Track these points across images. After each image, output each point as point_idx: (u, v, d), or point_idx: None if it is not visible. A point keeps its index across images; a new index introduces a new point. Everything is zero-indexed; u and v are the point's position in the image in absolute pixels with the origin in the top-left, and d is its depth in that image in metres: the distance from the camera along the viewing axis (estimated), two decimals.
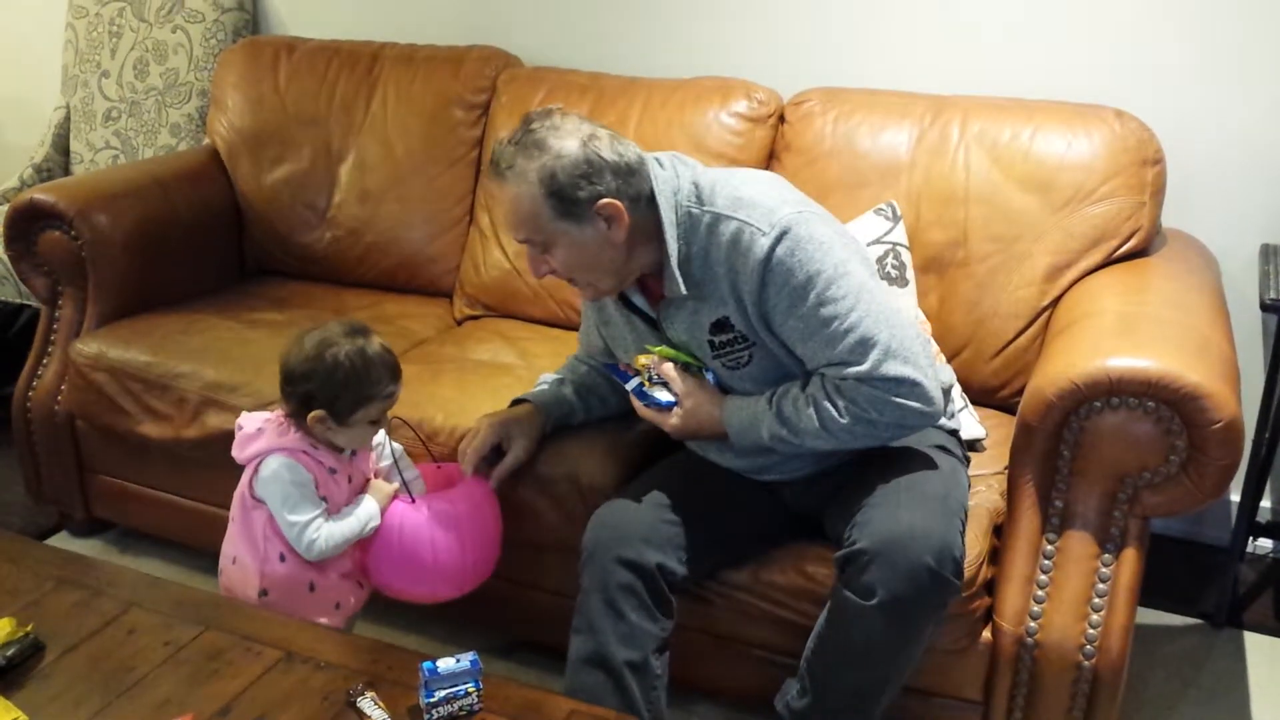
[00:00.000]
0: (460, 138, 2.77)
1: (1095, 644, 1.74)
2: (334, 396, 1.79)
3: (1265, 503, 2.60)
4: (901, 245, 2.25)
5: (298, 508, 1.80)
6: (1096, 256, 2.18)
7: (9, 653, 1.56)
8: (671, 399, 1.84)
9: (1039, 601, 1.78)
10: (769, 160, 2.49)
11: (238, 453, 1.86)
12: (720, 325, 1.76)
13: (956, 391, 2.12)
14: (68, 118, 3.35)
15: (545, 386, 2.08)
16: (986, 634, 1.83)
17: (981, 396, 2.26)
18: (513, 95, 2.71)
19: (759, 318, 1.72)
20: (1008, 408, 2.21)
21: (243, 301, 2.72)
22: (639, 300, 1.86)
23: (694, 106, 2.52)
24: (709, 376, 1.85)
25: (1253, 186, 2.40)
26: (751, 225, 1.68)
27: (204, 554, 2.44)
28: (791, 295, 1.67)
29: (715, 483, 1.90)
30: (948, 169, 2.29)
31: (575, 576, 1.81)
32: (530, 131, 1.70)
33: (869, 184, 2.34)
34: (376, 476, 1.96)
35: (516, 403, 2.06)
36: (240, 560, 1.87)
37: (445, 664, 1.49)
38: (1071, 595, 1.76)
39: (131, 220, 2.61)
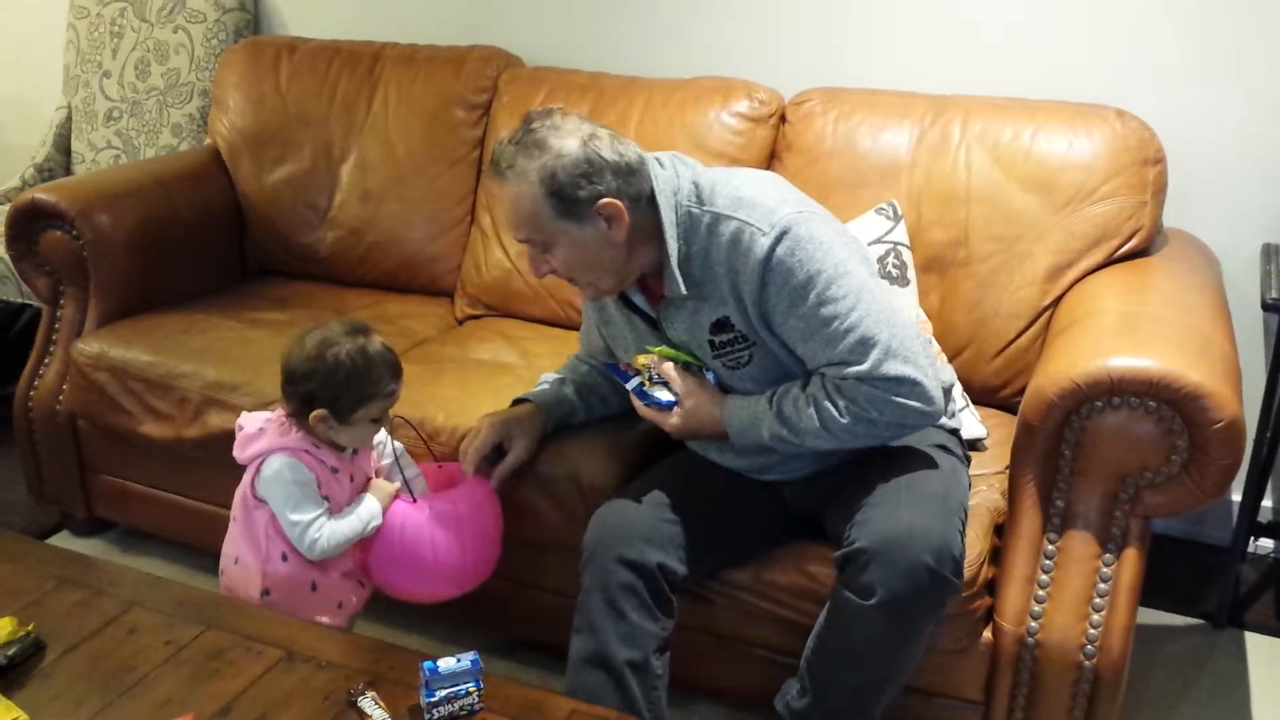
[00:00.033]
0: (461, 138, 2.77)
1: (1096, 644, 1.74)
2: (335, 395, 1.79)
3: (1266, 502, 2.60)
4: (903, 245, 2.25)
5: (300, 507, 1.80)
6: (1098, 256, 2.17)
7: (10, 652, 1.57)
8: (672, 398, 1.84)
9: (1040, 601, 1.78)
10: (770, 160, 2.49)
11: (239, 453, 1.86)
12: (720, 325, 1.76)
13: (958, 391, 2.12)
14: (69, 118, 3.36)
15: (546, 386, 2.08)
16: (987, 634, 1.83)
17: (983, 396, 2.26)
18: (514, 95, 2.71)
19: (759, 317, 1.72)
20: (1009, 407, 2.21)
21: (244, 301, 2.72)
22: (639, 300, 1.86)
23: (695, 106, 2.52)
24: (709, 376, 1.85)
25: (1254, 186, 2.40)
26: (751, 225, 1.68)
27: (205, 553, 2.44)
28: (792, 295, 1.67)
29: (716, 482, 1.90)
30: (949, 169, 2.29)
31: (576, 576, 1.82)
32: (531, 131, 1.70)
33: (870, 184, 2.34)
34: (378, 475, 1.96)
35: (517, 402, 2.06)
36: (242, 560, 1.87)
37: (446, 663, 1.49)
38: (1073, 595, 1.76)
39: (133, 220, 2.61)
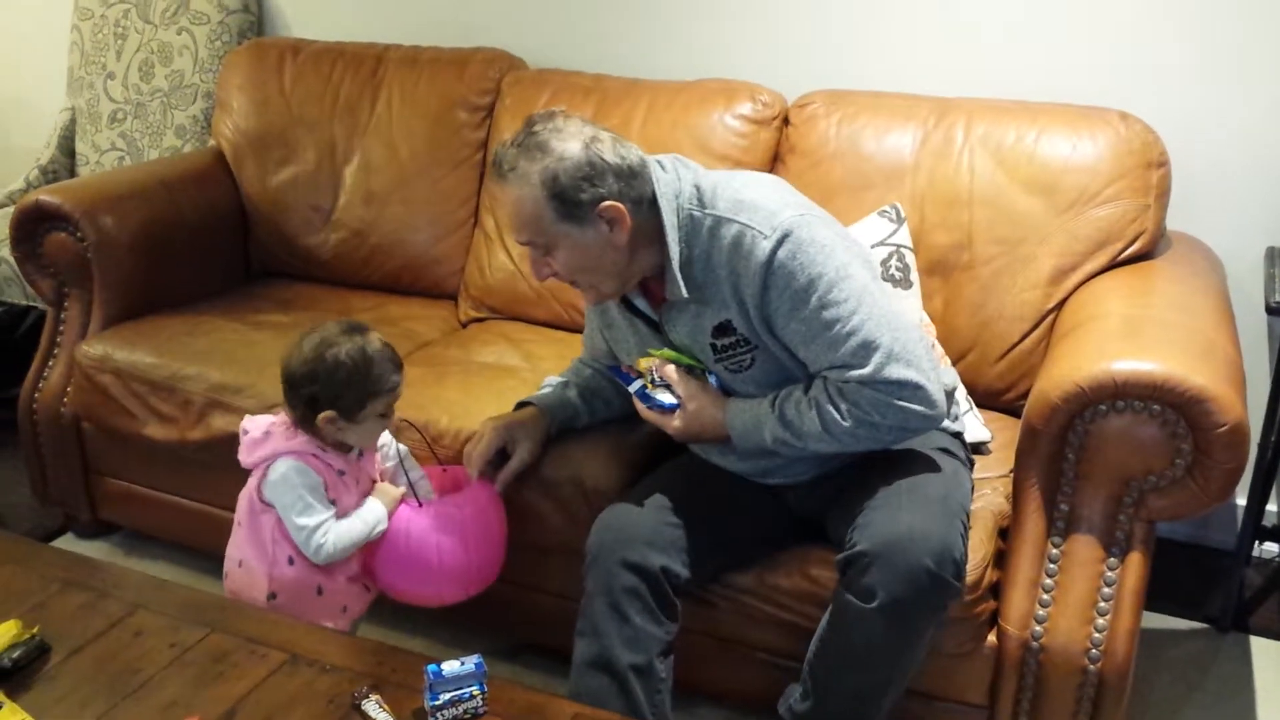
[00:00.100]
0: (465, 140, 2.77)
1: (1100, 648, 1.74)
2: (339, 395, 1.80)
3: (1271, 506, 2.60)
4: (906, 247, 2.25)
5: (306, 511, 1.80)
6: (1101, 259, 2.17)
7: (15, 655, 1.57)
8: (674, 401, 1.84)
9: (1044, 605, 1.77)
10: (773, 162, 2.49)
11: (245, 457, 1.86)
12: (722, 328, 1.76)
13: (961, 394, 2.12)
14: (73, 120, 3.36)
15: (549, 389, 2.08)
16: (991, 638, 1.82)
17: (986, 399, 2.26)
18: (517, 97, 2.71)
19: (761, 321, 1.72)
20: (1013, 411, 2.21)
21: (248, 303, 2.73)
22: (641, 303, 1.86)
23: (699, 108, 2.52)
24: (711, 379, 1.85)
25: (1258, 189, 2.40)
26: (753, 228, 1.68)
27: (209, 556, 2.44)
28: (793, 298, 1.67)
29: (719, 486, 1.90)
30: (952, 171, 2.29)
31: (580, 579, 1.81)
32: (533, 134, 1.70)
33: (873, 186, 2.34)
34: (382, 478, 1.96)
35: (521, 406, 2.06)
36: (247, 563, 1.87)
37: (450, 667, 1.49)
38: (1077, 599, 1.76)
39: (137, 222, 2.62)
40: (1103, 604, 1.74)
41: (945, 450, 1.85)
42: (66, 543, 2.68)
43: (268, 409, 2.12)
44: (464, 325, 2.73)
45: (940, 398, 1.69)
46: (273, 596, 1.84)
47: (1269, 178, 2.38)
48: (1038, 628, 1.77)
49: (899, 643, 1.66)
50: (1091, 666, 1.75)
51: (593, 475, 2.01)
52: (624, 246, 1.74)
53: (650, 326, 1.88)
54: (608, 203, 1.70)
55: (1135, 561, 1.74)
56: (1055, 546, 1.78)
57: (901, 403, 1.66)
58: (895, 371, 1.65)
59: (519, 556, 2.02)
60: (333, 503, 1.83)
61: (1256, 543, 2.58)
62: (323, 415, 1.80)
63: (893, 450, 1.79)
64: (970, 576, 1.74)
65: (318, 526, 1.80)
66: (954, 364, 2.24)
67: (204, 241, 2.82)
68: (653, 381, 1.86)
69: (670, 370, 1.84)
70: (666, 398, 1.85)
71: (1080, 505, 1.76)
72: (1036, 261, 2.20)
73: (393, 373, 1.83)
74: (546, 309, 2.63)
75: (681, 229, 1.75)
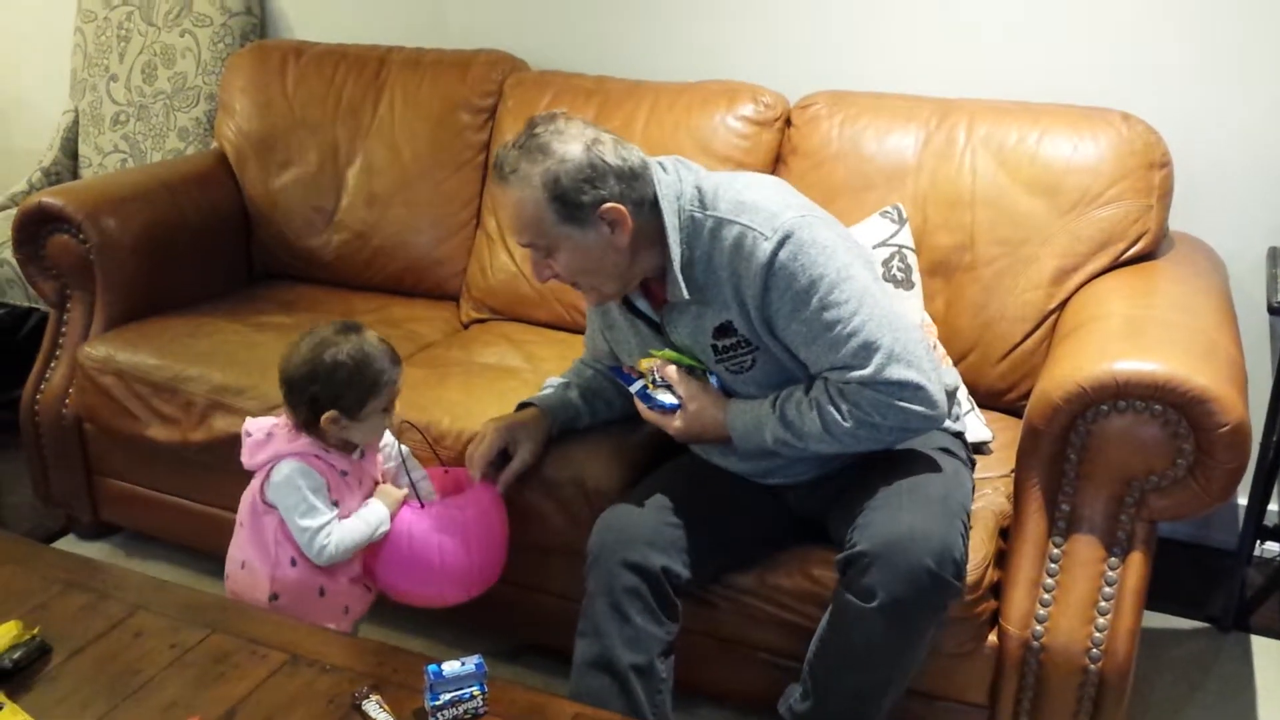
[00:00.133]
0: (467, 141, 2.77)
1: (1101, 648, 1.74)
2: (340, 395, 1.80)
3: (1272, 506, 2.59)
4: (907, 248, 2.25)
5: (310, 513, 1.81)
6: (1103, 260, 2.17)
7: (16, 655, 1.57)
8: (675, 402, 1.84)
9: (1045, 605, 1.77)
10: (775, 164, 2.49)
11: (248, 459, 1.87)
12: (723, 329, 1.76)
13: (963, 394, 2.12)
14: (76, 122, 3.37)
15: (551, 390, 2.08)
16: (992, 638, 1.82)
17: (988, 399, 2.25)
18: (519, 99, 2.71)
19: (762, 322, 1.72)
20: (1014, 411, 2.21)
21: (250, 305, 2.73)
22: (642, 304, 1.87)
23: (700, 110, 2.52)
24: (712, 380, 1.85)
25: (1260, 189, 2.39)
26: (754, 230, 1.68)
27: (210, 557, 2.44)
28: (794, 299, 1.67)
29: (720, 486, 1.90)
30: (954, 172, 2.29)
31: (581, 580, 1.82)
32: (534, 136, 1.70)
33: (875, 187, 2.34)
34: (384, 479, 1.96)
35: (522, 406, 2.06)
36: (250, 565, 1.87)
37: (450, 667, 1.49)
38: (1078, 599, 1.75)
39: (139, 224, 2.62)
40: (1104, 604, 1.74)
41: (946, 450, 1.85)
42: (68, 544, 2.68)
43: (269, 410, 2.12)
44: (466, 326, 2.73)
45: (941, 398, 1.69)
46: (275, 598, 1.84)
47: (1270, 178, 2.38)
48: (1039, 627, 1.77)
49: (899, 642, 1.66)
50: (1092, 666, 1.74)
51: (594, 476, 2.01)
52: (625, 248, 1.74)
53: (651, 327, 1.88)
54: (609, 204, 1.70)
55: (1136, 561, 1.74)
56: (1056, 546, 1.78)
57: (902, 403, 1.66)
58: (896, 372, 1.65)
59: (520, 557, 2.02)
60: (335, 504, 1.83)
61: (1258, 542, 2.58)
62: (326, 416, 1.81)
63: (893, 450, 1.79)
64: (971, 576, 1.74)
65: (320, 528, 1.80)
66: (956, 364, 2.24)
67: (206, 243, 2.82)
68: (654, 382, 1.86)
69: (671, 371, 1.84)
70: (667, 398, 1.85)
71: (1082, 505, 1.76)
72: (1038, 262, 2.20)
73: (391, 367, 1.84)
74: (548, 310, 2.64)
75: (683, 230, 1.75)
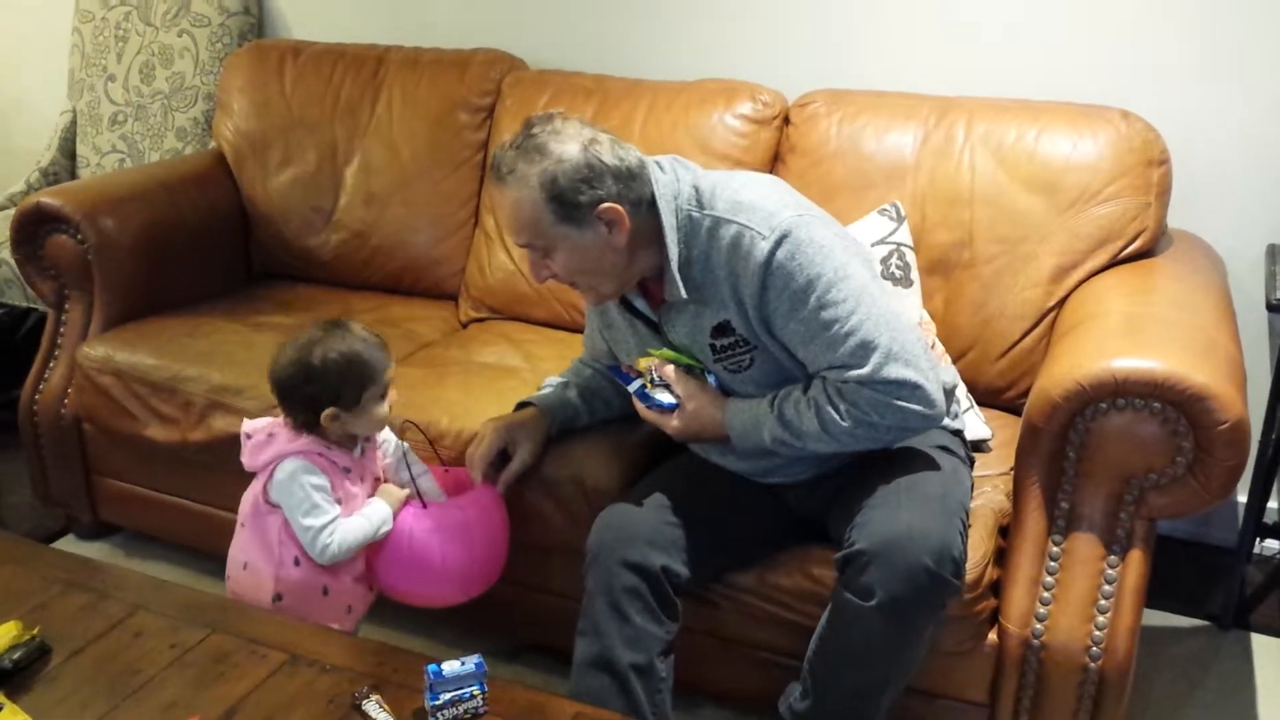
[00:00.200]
0: (465, 141, 2.77)
1: (1101, 646, 1.74)
2: (337, 390, 1.81)
3: (1272, 504, 2.59)
4: (906, 246, 2.25)
5: (313, 511, 1.81)
6: (1102, 257, 2.17)
7: (15, 656, 1.57)
8: (673, 401, 1.84)
9: (1045, 603, 1.77)
10: (774, 162, 2.49)
11: (250, 460, 1.87)
12: (721, 329, 1.76)
13: (962, 392, 2.12)
14: (74, 122, 3.36)
15: (549, 390, 2.08)
16: (992, 636, 1.82)
17: (987, 397, 2.25)
18: (517, 98, 2.71)
19: (760, 321, 1.72)
20: (1013, 409, 2.21)
21: (249, 305, 2.73)
22: (640, 304, 1.86)
23: (699, 109, 2.52)
24: (710, 379, 1.85)
25: (1257, 187, 2.39)
26: (752, 229, 1.68)
27: (210, 557, 2.45)
28: (792, 299, 1.67)
29: (719, 485, 1.90)
30: (953, 170, 2.29)
31: (580, 579, 1.82)
32: (531, 136, 1.70)
33: (874, 185, 2.34)
34: (385, 475, 1.96)
35: (521, 406, 2.06)
36: (252, 565, 1.87)
37: (450, 667, 1.49)
38: (1077, 597, 1.75)
39: (138, 224, 2.62)
40: (1103, 602, 1.74)
41: (945, 448, 1.85)
42: (67, 544, 2.68)
43: (269, 410, 2.12)
44: (464, 325, 2.73)
45: (939, 397, 1.69)
46: (278, 598, 1.84)
47: (1269, 176, 2.38)
48: (1038, 625, 1.77)
49: (898, 641, 1.66)
50: (1092, 664, 1.74)
51: (593, 475, 2.01)
52: (623, 248, 1.74)
53: (649, 327, 1.88)
54: (606, 204, 1.70)
55: (1136, 559, 1.74)
56: (1056, 544, 1.78)
57: (900, 402, 1.66)
58: (894, 371, 1.65)
59: (520, 556, 2.02)
60: (339, 501, 1.83)
61: (1257, 540, 2.58)
62: (325, 413, 1.81)
63: (892, 449, 1.79)
64: (970, 574, 1.74)
65: (324, 527, 1.80)
66: (955, 362, 2.24)
67: (205, 243, 2.82)
68: (652, 381, 1.86)
69: (669, 370, 1.84)
70: (666, 397, 1.85)
71: (1081, 503, 1.76)
72: (1037, 260, 2.20)
73: (382, 355, 1.85)
74: (547, 309, 2.63)
75: (680, 230, 1.75)
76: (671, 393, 1.84)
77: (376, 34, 3.04)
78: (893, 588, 1.60)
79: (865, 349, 1.65)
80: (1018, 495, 1.82)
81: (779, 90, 2.52)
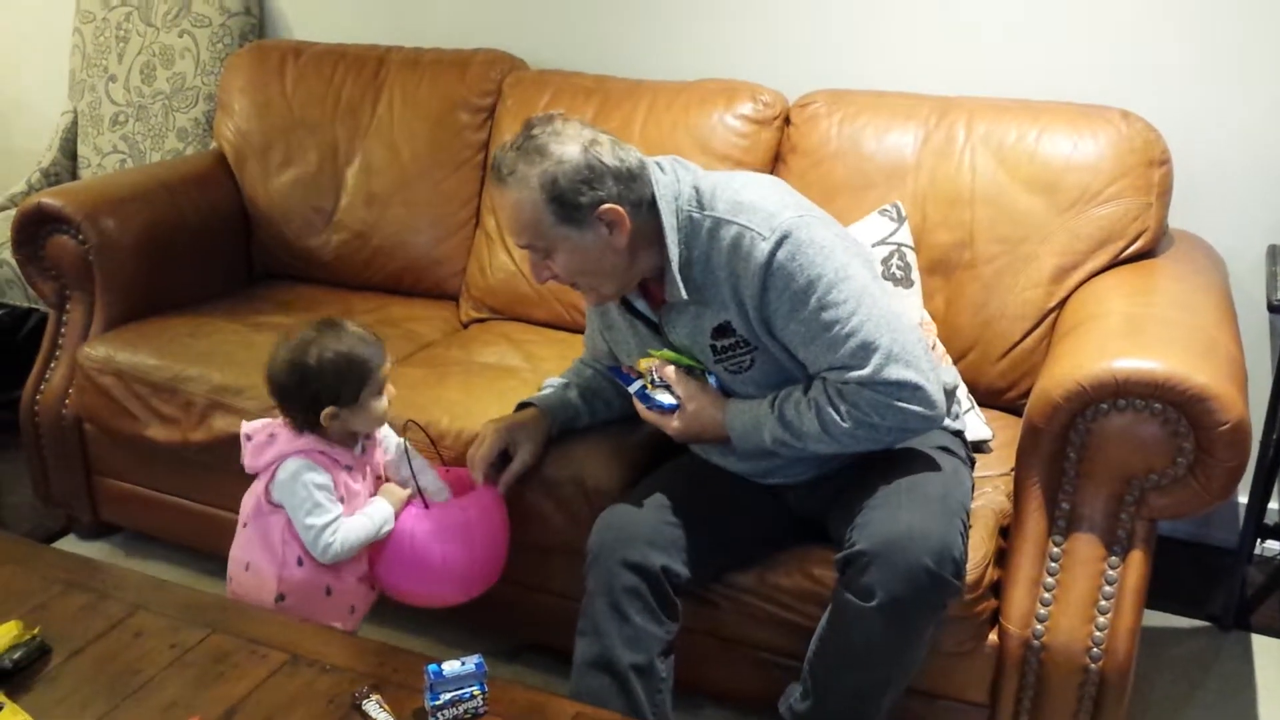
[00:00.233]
0: (466, 141, 2.77)
1: (1102, 647, 1.74)
2: (335, 390, 1.81)
3: (1273, 504, 2.59)
4: (907, 246, 2.25)
5: (315, 510, 1.81)
6: (1103, 258, 2.17)
7: (15, 656, 1.57)
8: (674, 402, 1.84)
9: (1045, 604, 1.77)
10: (774, 162, 2.48)
11: (252, 461, 1.87)
12: (722, 330, 1.76)
13: (962, 393, 2.12)
14: (75, 122, 3.37)
15: (550, 390, 2.08)
16: (992, 636, 1.82)
17: (988, 398, 2.25)
18: (518, 98, 2.71)
19: (760, 322, 1.72)
20: (1014, 409, 2.21)
21: (250, 305, 2.73)
22: (641, 304, 1.86)
23: (699, 109, 2.52)
24: (711, 380, 1.85)
25: (1257, 187, 2.39)
26: (752, 230, 1.68)
27: (211, 557, 2.45)
28: (793, 300, 1.67)
29: (719, 486, 1.90)
30: (953, 170, 2.29)
31: (581, 579, 1.82)
32: (532, 137, 1.70)
33: (875, 185, 2.34)
34: (387, 476, 1.96)
35: (521, 407, 2.06)
36: (255, 566, 1.86)
37: (450, 667, 1.49)
38: (1078, 598, 1.75)
39: (139, 224, 2.62)
40: (1104, 602, 1.74)
41: (946, 449, 1.85)
42: (68, 544, 2.68)
43: (269, 410, 2.12)
44: (465, 326, 2.73)
45: (940, 398, 1.69)
46: (281, 598, 1.84)
47: (1270, 176, 2.38)
48: (1039, 626, 1.77)
49: (898, 641, 1.66)
50: (1093, 665, 1.74)
51: (594, 475, 2.01)
52: (624, 249, 1.74)
53: (650, 328, 1.88)
54: (607, 206, 1.70)
55: (1136, 560, 1.74)
56: (1056, 545, 1.78)
57: (901, 404, 1.66)
58: (894, 372, 1.65)
59: (520, 556, 2.02)
60: (342, 499, 1.84)
61: (1258, 541, 2.58)
62: (325, 412, 1.81)
63: (893, 449, 1.79)
64: (971, 575, 1.74)
65: (326, 526, 1.81)
66: (955, 363, 2.23)
67: (206, 244, 2.82)
68: (653, 382, 1.86)
69: (670, 371, 1.84)
70: (666, 398, 1.85)
71: (1081, 504, 1.76)
72: (1038, 260, 2.20)
73: (377, 351, 1.85)
74: (547, 309, 2.64)
75: (681, 231, 1.75)
76: (672, 393, 1.84)
77: (377, 34, 3.04)
78: (893, 588, 1.60)
79: (866, 350, 1.65)
80: (1018, 496, 1.82)
81: (779, 90, 2.52)
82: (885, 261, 2.22)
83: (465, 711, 1.49)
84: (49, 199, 2.53)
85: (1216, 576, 2.51)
